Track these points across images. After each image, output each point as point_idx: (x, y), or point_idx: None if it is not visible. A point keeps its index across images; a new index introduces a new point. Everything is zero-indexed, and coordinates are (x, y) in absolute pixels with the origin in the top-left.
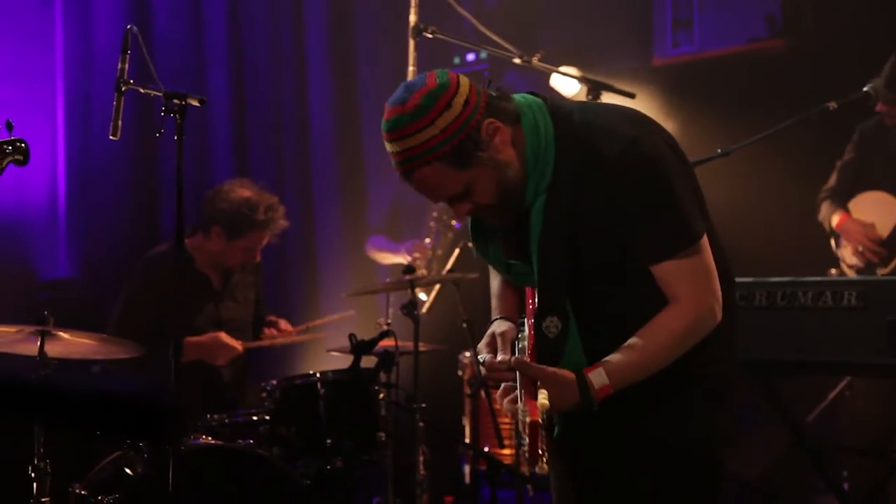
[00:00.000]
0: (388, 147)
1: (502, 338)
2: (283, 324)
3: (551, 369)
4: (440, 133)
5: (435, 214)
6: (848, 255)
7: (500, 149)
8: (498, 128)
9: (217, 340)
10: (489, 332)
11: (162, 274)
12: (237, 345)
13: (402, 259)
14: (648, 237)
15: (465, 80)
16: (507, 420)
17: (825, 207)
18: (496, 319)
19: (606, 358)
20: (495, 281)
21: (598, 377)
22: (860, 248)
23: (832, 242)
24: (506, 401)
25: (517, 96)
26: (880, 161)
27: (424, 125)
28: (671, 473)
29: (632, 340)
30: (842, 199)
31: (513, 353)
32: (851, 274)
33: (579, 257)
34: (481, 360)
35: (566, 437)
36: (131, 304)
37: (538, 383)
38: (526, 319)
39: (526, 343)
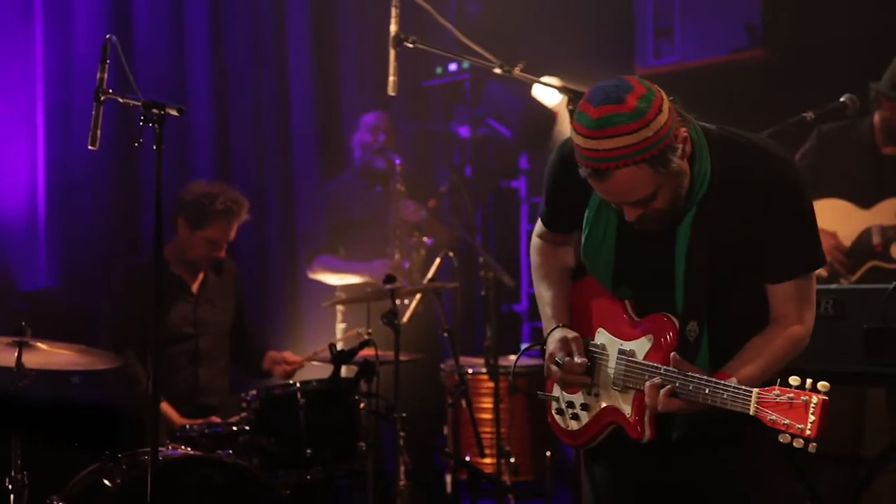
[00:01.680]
0: (590, 143)
1: (576, 342)
2: (290, 356)
3: (697, 369)
4: (654, 135)
5: (397, 232)
6: None
7: (685, 157)
8: (687, 137)
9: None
10: (559, 336)
11: (142, 284)
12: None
13: (363, 279)
14: (784, 255)
15: (659, 88)
16: (488, 430)
17: None
18: (558, 327)
19: (735, 367)
20: (548, 292)
21: None
22: (829, 259)
23: None
24: (662, 393)
25: None
26: (840, 166)
27: (641, 126)
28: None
29: (753, 352)
30: None
31: (589, 357)
32: None
33: (716, 265)
34: (559, 361)
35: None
36: (119, 313)
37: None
38: (604, 331)
39: (604, 352)
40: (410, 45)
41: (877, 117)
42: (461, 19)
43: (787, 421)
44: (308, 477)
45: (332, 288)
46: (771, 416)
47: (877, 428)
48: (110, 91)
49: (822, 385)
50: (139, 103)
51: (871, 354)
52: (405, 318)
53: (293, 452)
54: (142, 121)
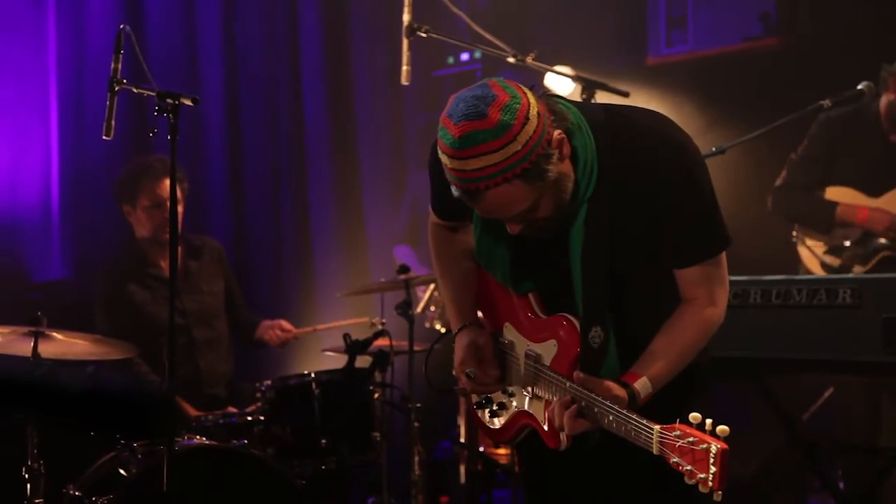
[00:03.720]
0: (455, 164)
1: (486, 349)
2: (285, 324)
3: (607, 383)
4: (522, 148)
5: None
6: (819, 249)
7: (564, 160)
8: (563, 139)
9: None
10: (467, 341)
11: (122, 280)
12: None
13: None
14: (685, 243)
15: (527, 89)
16: None
17: (808, 199)
18: (465, 327)
19: (645, 366)
20: (451, 285)
21: (644, 387)
22: (893, 235)
23: (795, 235)
24: (567, 414)
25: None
26: (847, 153)
27: (507, 141)
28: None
29: (664, 344)
30: (812, 191)
31: (501, 364)
32: (819, 272)
33: (615, 262)
34: (470, 374)
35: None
36: (108, 311)
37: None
38: (511, 327)
39: (519, 355)
40: (423, 35)
41: (883, 101)
42: (472, 9)
43: (689, 467)
44: (323, 467)
45: (345, 277)
46: (674, 458)
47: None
48: (124, 81)
49: (721, 430)
50: (154, 93)
51: (890, 344)
52: (419, 308)
53: (308, 442)
54: (156, 111)
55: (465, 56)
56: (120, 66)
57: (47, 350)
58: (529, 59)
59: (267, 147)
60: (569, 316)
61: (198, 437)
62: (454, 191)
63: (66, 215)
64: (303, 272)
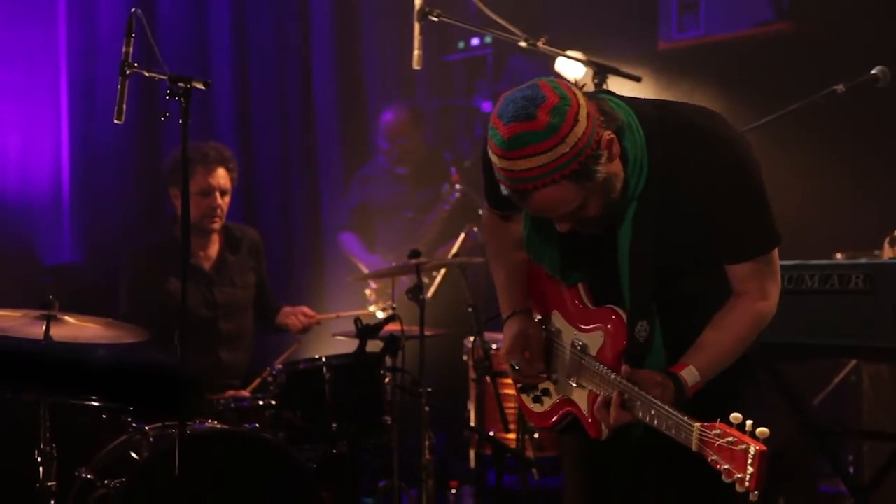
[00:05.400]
0: (504, 164)
1: (534, 340)
2: (308, 310)
3: (652, 374)
4: (570, 150)
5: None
6: None
7: (613, 160)
8: (613, 139)
9: None
10: (515, 332)
11: (153, 267)
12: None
13: (363, 269)
14: (737, 240)
15: (577, 90)
16: (512, 405)
17: None
18: (515, 314)
19: (693, 356)
20: (502, 272)
21: (691, 376)
22: None
23: None
24: (613, 406)
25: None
26: None
27: (556, 143)
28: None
29: (714, 336)
30: None
31: (546, 355)
32: None
33: (663, 258)
34: (514, 366)
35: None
36: (134, 300)
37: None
38: (559, 315)
39: (565, 347)
40: (435, 19)
41: None
42: None
43: (727, 466)
44: (334, 451)
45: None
46: (713, 456)
47: None
48: (136, 65)
49: (761, 432)
50: (165, 77)
51: None
52: (430, 294)
53: (319, 426)
54: (168, 94)
55: (475, 41)
56: (131, 49)
57: (59, 333)
58: (540, 44)
59: (277, 132)
60: (617, 308)
61: (209, 420)
62: (503, 190)
63: (76, 199)
64: (313, 258)
